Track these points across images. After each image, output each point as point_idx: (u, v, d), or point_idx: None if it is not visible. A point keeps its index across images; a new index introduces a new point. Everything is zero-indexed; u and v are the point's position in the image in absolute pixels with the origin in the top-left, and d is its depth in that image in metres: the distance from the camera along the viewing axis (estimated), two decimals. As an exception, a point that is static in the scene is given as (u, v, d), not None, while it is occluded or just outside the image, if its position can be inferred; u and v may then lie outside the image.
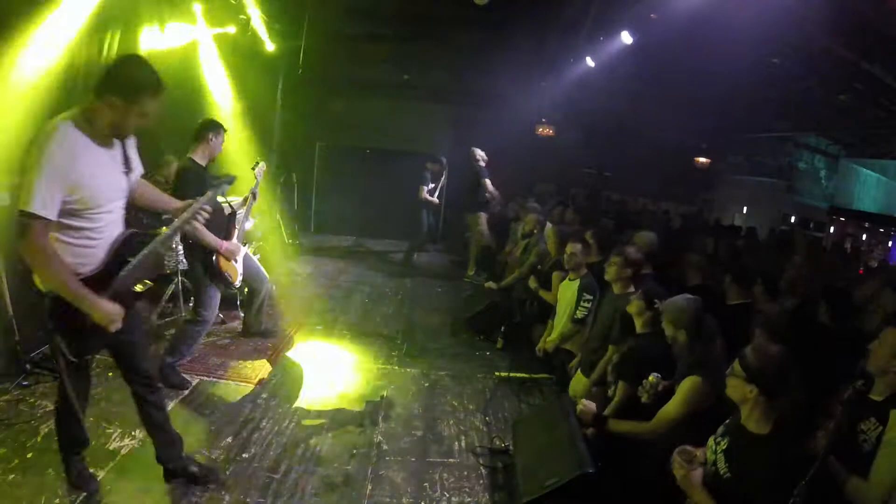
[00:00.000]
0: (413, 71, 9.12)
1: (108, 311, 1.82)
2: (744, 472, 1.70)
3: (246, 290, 3.95)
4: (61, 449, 2.19)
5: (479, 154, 6.48)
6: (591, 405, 2.57)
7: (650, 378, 2.47)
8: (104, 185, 1.87)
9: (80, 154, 1.76)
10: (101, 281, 1.87)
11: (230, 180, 2.40)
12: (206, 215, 2.13)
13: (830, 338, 2.79)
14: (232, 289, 3.90)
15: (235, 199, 3.90)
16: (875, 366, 1.91)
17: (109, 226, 1.93)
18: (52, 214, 1.70)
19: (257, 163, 3.76)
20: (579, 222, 5.71)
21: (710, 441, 1.89)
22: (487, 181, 6.46)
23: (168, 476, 2.31)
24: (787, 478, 1.57)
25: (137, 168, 2.08)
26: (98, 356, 3.33)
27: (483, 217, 6.68)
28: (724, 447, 1.80)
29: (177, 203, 2.21)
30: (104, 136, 1.85)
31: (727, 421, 1.90)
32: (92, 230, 1.86)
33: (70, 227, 1.81)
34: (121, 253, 1.96)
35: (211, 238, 3.14)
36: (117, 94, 1.77)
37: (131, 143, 2.04)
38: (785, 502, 1.51)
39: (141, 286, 2.04)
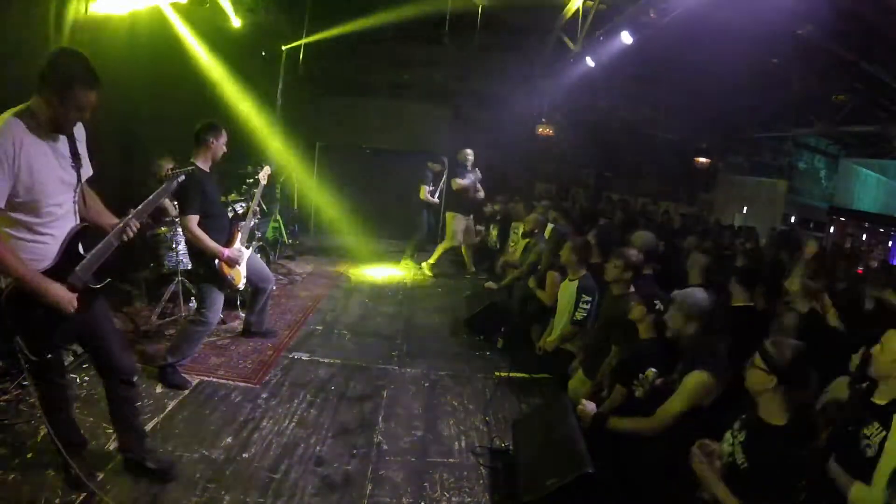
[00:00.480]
0: (413, 71, 9.12)
1: (57, 294, 1.83)
2: (762, 463, 1.74)
3: (250, 289, 3.95)
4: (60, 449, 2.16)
5: (466, 154, 6.54)
6: (591, 405, 2.56)
7: (647, 373, 2.47)
8: (50, 178, 1.86)
9: (25, 147, 1.76)
10: (55, 276, 1.87)
11: (181, 175, 2.41)
12: (135, 229, 2.13)
13: (839, 341, 2.79)
14: (236, 292, 3.91)
15: (240, 203, 3.92)
16: (878, 370, 1.90)
17: (59, 220, 1.93)
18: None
19: (261, 166, 3.79)
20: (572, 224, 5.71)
21: (728, 434, 1.92)
22: (462, 181, 6.46)
23: (127, 466, 2.31)
24: (804, 468, 1.61)
25: (86, 165, 2.08)
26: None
27: (457, 218, 6.65)
28: (741, 439, 1.84)
29: (113, 220, 2.19)
30: (47, 131, 1.85)
31: (744, 415, 1.92)
32: (41, 225, 1.87)
33: (19, 223, 1.82)
34: (73, 248, 1.96)
35: (212, 245, 3.13)
36: (52, 89, 1.78)
37: (80, 139, 2.04)
38: (793, 494, 1.55)
39: (99, 284, 2.05)
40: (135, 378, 2.33)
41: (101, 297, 2.12)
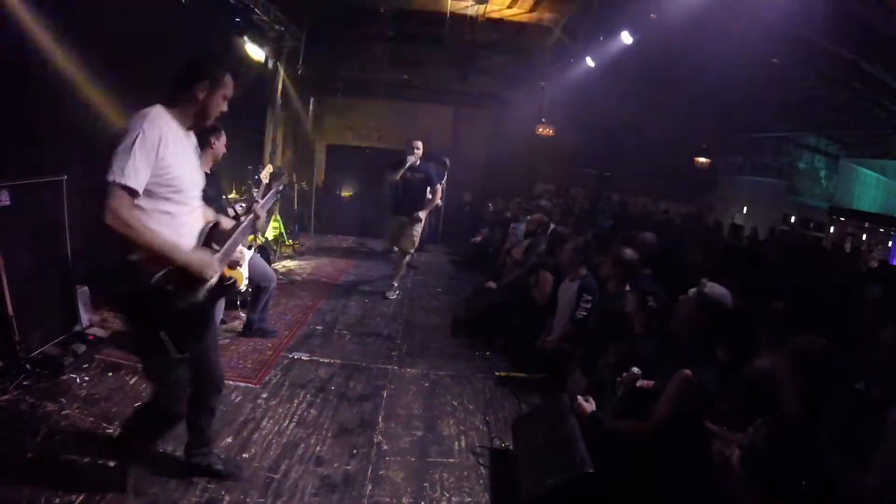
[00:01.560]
0: (413, 71, 9.13)
1: (204, 260, 1.86)
2: (783, 455, 1.77)
3: (251, 289, 3.95)
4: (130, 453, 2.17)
5: (415, 144, 5.35)
6: (588, 405, 2.52)
7: (630, 372, 2.45)
8: (187, 171, 1.90)
9: (169, 138, 1.81)
10: None
11: (282, 185, 2.56)
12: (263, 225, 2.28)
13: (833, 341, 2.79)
14: (237, 293, 3.92)
15: (240, 203, 3.92)
16: (877, 367, 1.93)
17: (194, 213, 1.98)
18: (138, 186, 1.71)
19: (262, 165, 3.81)
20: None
21: (750, 427, 1.95)
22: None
23: (193, 469, 2.33)
24: (824, 461, 1.63)
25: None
26: (99, 356, 3.36)
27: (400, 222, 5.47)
28: (763, 431, 1.87)
29: (223, 217, 2.25)
30: (188, 125, 1.93)
31: (769, 408, 1.95)
32: (180, 215, 1.89)
33: (161, 212, 1.83)
34: (208, 242, 2.00)
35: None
36: (205, 79, 1.87)
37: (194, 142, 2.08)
38: (807, 484, 1.58)
39: (226, 283, 2.06)
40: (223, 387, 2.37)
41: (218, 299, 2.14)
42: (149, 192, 1.77)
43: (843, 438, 1.95)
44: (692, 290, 2.36)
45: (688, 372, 2.14)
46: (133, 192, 1.71)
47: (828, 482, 1.72)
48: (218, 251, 2.00)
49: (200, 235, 1.98)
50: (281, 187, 2.45)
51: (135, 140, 1.70)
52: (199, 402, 2.25)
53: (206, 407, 2.30)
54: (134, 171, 1.69)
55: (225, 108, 1.99)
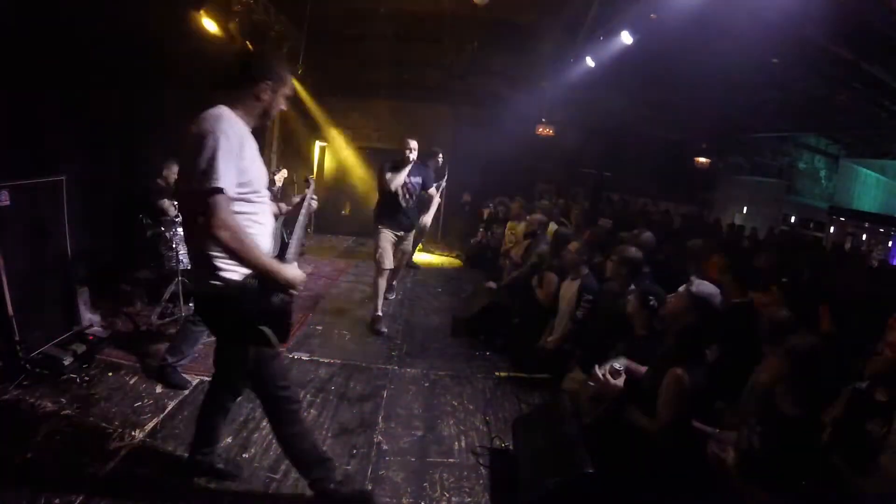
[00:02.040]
0: (413, 71, 9.13)
1: (294, 273, 1.89)
2: (777, 452, 1.78)
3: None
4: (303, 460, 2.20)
5: (410, 144, 4.56)
6: (617, 382, 2.40)
7: (612, 366, 2.44)
8: (259, 170, 1.93)
9: (244, 138, 1.84)
10: None
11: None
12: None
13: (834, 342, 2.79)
14: None
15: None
16: (881, 368, 1.93)
17: (267, 211, 2.00)
18: (231, 191, 1.74)
19: (278, 168, 3.83)
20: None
21: (745, 428, 1.95)
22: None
23: (195, 468, 2.33)
24: (812, 459, 1.65)
25: None
26: (99, 356, 3.36)
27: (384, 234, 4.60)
28: (758, 429, 1.87)
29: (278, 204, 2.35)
30: (251, 125, 1.95)
31: (761, 408, 1.96)
32: (257, 214, 1.92)
33: (241, 213, 1.83)
34: (281, 235, 2.05)
35: None
36: (269, 78, 1.91)
37: None
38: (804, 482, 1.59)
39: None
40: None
41: None
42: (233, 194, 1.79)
43: (845, 438, 1.94)
44: (681, 288, 2.34)
45: (678, 371, 2.12)
46: (227, 195, 1.72)
47: (825, 482, 1.72)
48: (287, 244, 2.04)
49: (275, 233, 2.02)
50: (313, 200, 2.43)
51: (218, 142, 1.71)
52: (222, 399, 2.27)
53: (225, 406, 2.31)
54: (225, 173, 1.70)
55: (284, 106, 2.03)
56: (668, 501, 2.07)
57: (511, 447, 2.82)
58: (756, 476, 1.80)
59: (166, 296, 4.11)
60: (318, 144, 9.01)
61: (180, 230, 3.91)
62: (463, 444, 2.92)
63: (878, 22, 5.44)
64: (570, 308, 3.76)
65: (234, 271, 1.83)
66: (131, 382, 3.14)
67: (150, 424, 2.73)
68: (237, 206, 1.80)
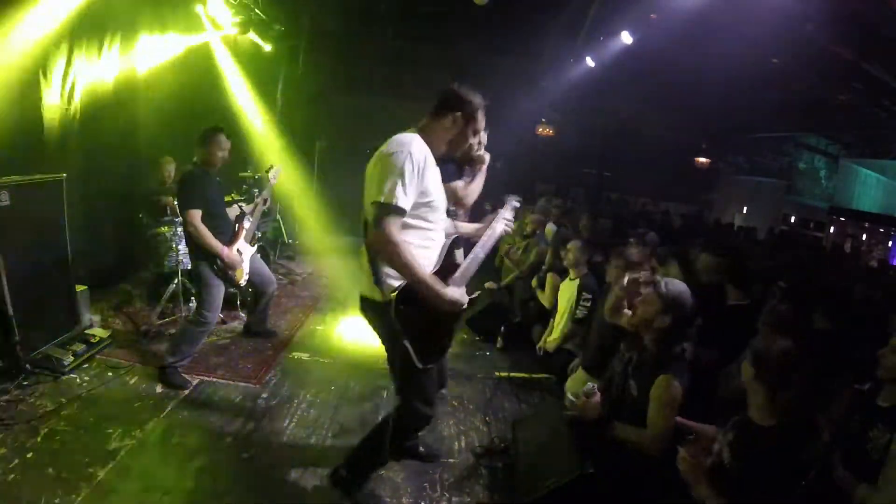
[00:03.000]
0: (413, 71, 9.13)
1: (456, 297, 1.89)
2: (746, 464, 1.71)
3: (252, 291, 3.94)
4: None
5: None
6: (592, 404, 2.37)
7: (586, 387, 2.37)
8: (440, 194, 2.01)
9: (429, 162, 1.91)
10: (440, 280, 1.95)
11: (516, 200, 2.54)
12: (509, 224, 2.33)
13: (829, 341, 2.78)
14: (237, 288, 3.91)
15: (242, 202, 3.92)
16: (885, 373, 1.86)
17: (440, 230, 2.07)
18: (407, 206, 1.82)
19: (271, 167, 3.81)
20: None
21: (719, 434, 1.89)
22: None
23: (397, 453, 2.37)
24: (788, 472, 1.58)
25: None
26: (99, 356, 3.36)
27: None
28: (730, 438, 1.81)
29: (465, 228, 2.35)
30: (438, 153, 2.01)
31: (737, 415, 1.89)
32: (431, 232, 1.99)
33: (413, 229, 1.92)
34: (451, 256, 2.06)
35: (214, 242, 3.13)
36: (458, 111, 2.00)
37: None
38: (784, 496, 1.52)
39: (470, 296, 2.07)
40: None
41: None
42: (409, 212, 1.86)
43: (848, 443, 1.89)
44: (647, 291, 2.30)
45: (668, 378, 2.08)
46: (402, 213, 1.80)
47: (802, 492, 1.66)
48: (458, 266, 2.05)
49: (442, 250, 2.04)
50: (506, 221, 2.39)
51: (404, 163, 1.79)
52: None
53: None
54: (404, 192, 1.78)
55: (474, 141, 2.13)
56: (667, 501, 2.07)
57: (511, 447, 2.82)
58: (725, 490, 1.70)
59: (166, 296, 4.11)
60: (318, 145, 9.00)
61: (180, 229, 3.91)
62: (463, 444, 2.92)
63: (878, 22, 5.44)
64: (570, 308, 3.76)
65: (392, 283, 1.88)
66: (131, 382, 3.14)
67: (150, 424, 2.72)
68: (413, 223, 1.90)
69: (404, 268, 1.80)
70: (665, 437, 2.09)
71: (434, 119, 2.01)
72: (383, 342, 2.12)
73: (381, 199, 1.77)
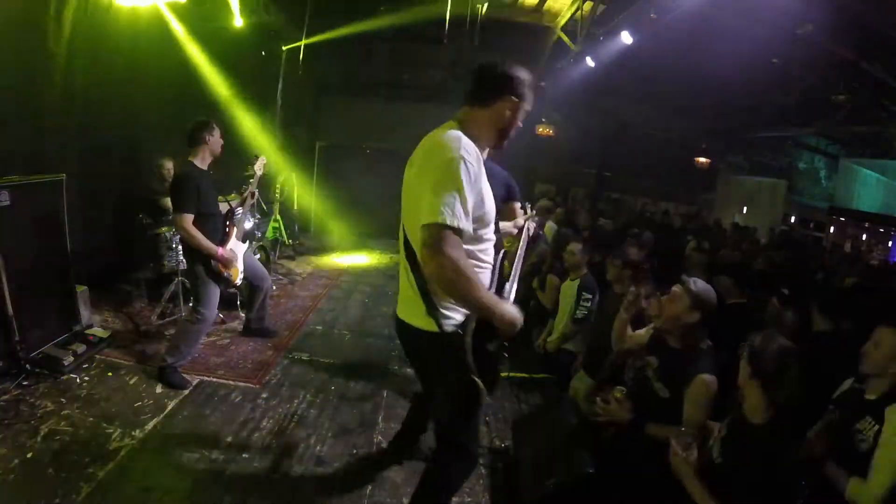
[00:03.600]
0: (413, 71, 9.13)
1: (512, 313, 1.60)
2: (735, 460, 1.73)
3: (247, 289, 3.95)
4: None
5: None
6: (627, 407, 2.35)
7: (615, 392, 2.38)
8: (491, 204, 1.70)
9: (481, 166, 1.60)
10: None
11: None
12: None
13: (827, 341, 2.78)
14: (233, 288, 3.90)
15: (234, 197, 3.89)
16: (872, 367, 1.90)
17: (492, 246, 1.79)
18: (469, 227, 1.53)
19: (256, 157, 3.73)
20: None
21: (716, 430, 1.91)
22: None
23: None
24: (775, 469, 1.59)
25: None
26: (99, 356, 3.36)
27: None
28: (722, 434, 1.83)
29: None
30: (485, 147, 1.72)
31: (732, 412, 1.91)
32: (482, 251, 1.72)
33: (469, 248, 1.63)
34: (501, 273, 1.88)
35: (206, 244, 3.12)
36: (513, 94, 1.68)
37: None
38: (770, 494, 1.53)
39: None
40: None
41: None
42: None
43: (837, 439, 1.92)
44: (675, 288, 2.34)
45: (706, 377, 2.12)
46: (462, 234, 1.51)
47: (791, 489, 1.67)
48: (505, 282, 1.91)
49: (494, 267, 1.82)
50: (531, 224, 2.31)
51: (460, 172, 1.50)
52: (402, 442, 2.39)
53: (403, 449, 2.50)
54: (463, 210, 1.50)
55: (521, 125, 1.78)
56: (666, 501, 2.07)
57: (511, 447, 2.82)
58: (715, 483, 1.72)
59: (166, 296, 4.11)
60: (318, 145, 9.01)
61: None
62: (463, 444, 2.91)
63: (878, 22, 5.45)
64: (569, 308, 3.76)
65: (452, 315, 1.65)
66: (131, 382, 3.14)
67: (150, 424, 2.72)
68: (467, 243, 1.59)
69: (468, 296, 1.51)
70: (701, 429, 2.12)
71: (480, 107, 1.68)
72: (431, 376, 1.86)
73: (439, 221, 1.46)
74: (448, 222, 1.47)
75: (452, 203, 1.48)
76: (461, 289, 1.50)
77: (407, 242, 1.69)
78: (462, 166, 1.50)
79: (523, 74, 1.72)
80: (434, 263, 1.49)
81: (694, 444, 1.88)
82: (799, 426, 2.06)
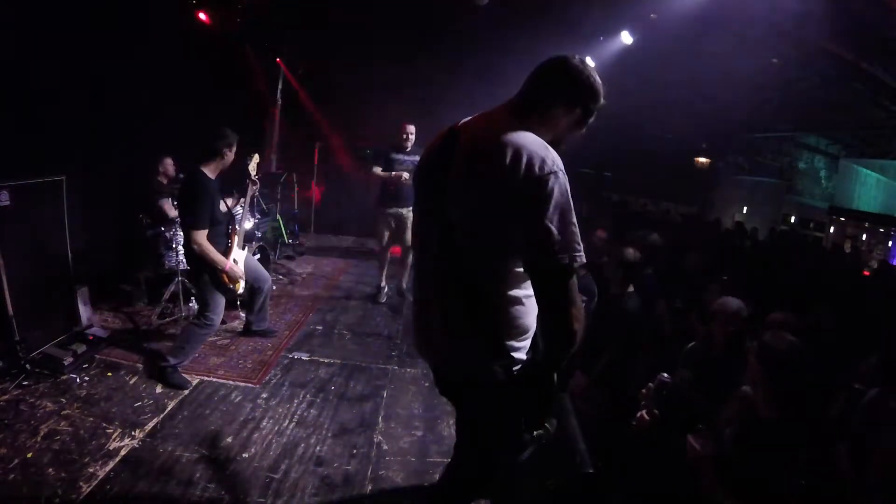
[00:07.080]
0: (413, 70, 9.13)
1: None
2: (747, 454, 1.75)
3: (248, 290, 3.94)
4: None
5: (408, 129, 5.12)
6: (648, 418, 2.33)
7: (661, 378, 2.37)
8: None
9: None
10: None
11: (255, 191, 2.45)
12: None
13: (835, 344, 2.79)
14: (236, 296, 3.90)
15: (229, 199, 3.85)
16: None
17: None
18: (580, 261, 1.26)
19: (250, 155, 3.67)
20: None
21: (727, 428, 1.93)
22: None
23: None
24: (786, 464, 1.60)
25: None
26: (99, 356, 3.36)
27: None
28: (735, 429, 1.85)
29: None
30: None
31: (742, 405, 1.94)
32: (528, 286, 1.43)
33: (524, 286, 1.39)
34: None
35: (218, 258, 3.10)
36: (578, 107, 1.46)
37: None
38: (783, 488, 1.54)
39: None
40: None
41: None
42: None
43: (855, 441, 1.91)
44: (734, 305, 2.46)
45: (747, 389, 2.10)
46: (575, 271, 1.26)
47: (805, 484, 1.68)
48: None
49: None
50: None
51: (567, 191, 1.25)
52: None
53: None
54: (576, 237, 1.24)
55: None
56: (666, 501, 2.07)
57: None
58: (726, 479, 1.75)
59: (166, 296, 4.11)
60: (318, 145, 9.01)
61: (179, 230, 3.90)
62: (463, 444, 2.92)
63: (878, 22, 5.45)
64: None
65: (518, 355, 1.42)
66: (131, 382, 3.14)
67: (150, 424, 2.72)
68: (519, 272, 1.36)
69: (574, 336, 1.27)
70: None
71: (543, 112, 1.43)
72: (480, 424, 1.60)
73: (560, 259, 1.21)
74: (578, 263, 1.23)
75: (568, 229, 1.22)
76: (578, 323, 1.27)
77: (455, 263, 1.36)
78: (565, 183, 1.26)
79: (595, 78, 1.44)
80: (569, 317, 1.24)
81: (711, 441, 1.92)
82: (812, 419, 2.07)
